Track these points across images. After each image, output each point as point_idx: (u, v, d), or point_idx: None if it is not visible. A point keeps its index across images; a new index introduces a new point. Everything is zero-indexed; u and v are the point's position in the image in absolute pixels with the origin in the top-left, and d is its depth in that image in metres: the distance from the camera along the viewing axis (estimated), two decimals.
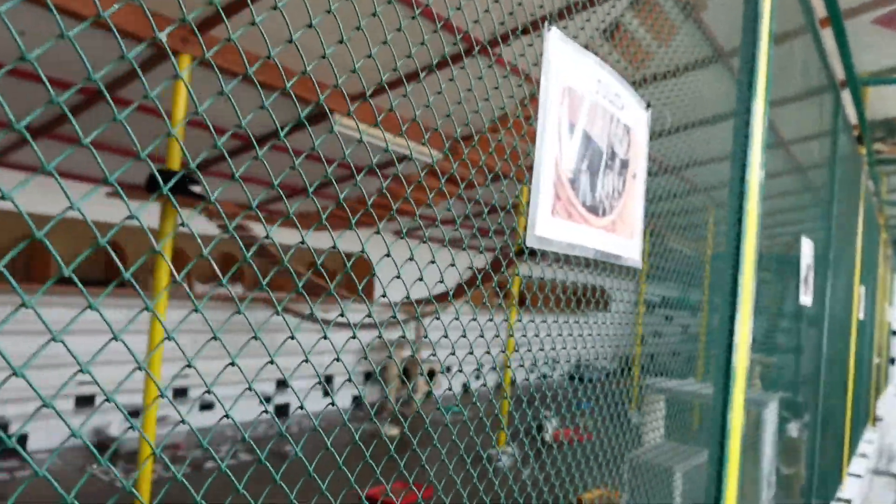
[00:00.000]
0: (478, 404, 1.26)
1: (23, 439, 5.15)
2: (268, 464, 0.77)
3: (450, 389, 1.45)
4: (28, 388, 4.93)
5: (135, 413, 5.44)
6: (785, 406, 3.50)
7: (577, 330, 1.58)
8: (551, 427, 6.33)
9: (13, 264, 4.97)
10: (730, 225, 1.79)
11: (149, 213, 5.04)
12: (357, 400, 7.78)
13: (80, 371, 0.67)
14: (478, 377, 9.25)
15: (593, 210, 1.27)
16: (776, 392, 3.32)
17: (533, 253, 1.34)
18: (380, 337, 0.90)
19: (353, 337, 0.83)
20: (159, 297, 3.20)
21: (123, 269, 0.61)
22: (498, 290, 1.25)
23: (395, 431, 6.26)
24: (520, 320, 1.38)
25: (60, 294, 4.89)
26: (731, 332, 1.76)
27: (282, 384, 7.05)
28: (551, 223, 1.14)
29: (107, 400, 0.66)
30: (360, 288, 0.85)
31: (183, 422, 0.55)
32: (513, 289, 3.83)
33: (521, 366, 1.35)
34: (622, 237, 1.41)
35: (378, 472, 0.96)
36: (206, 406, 6.17)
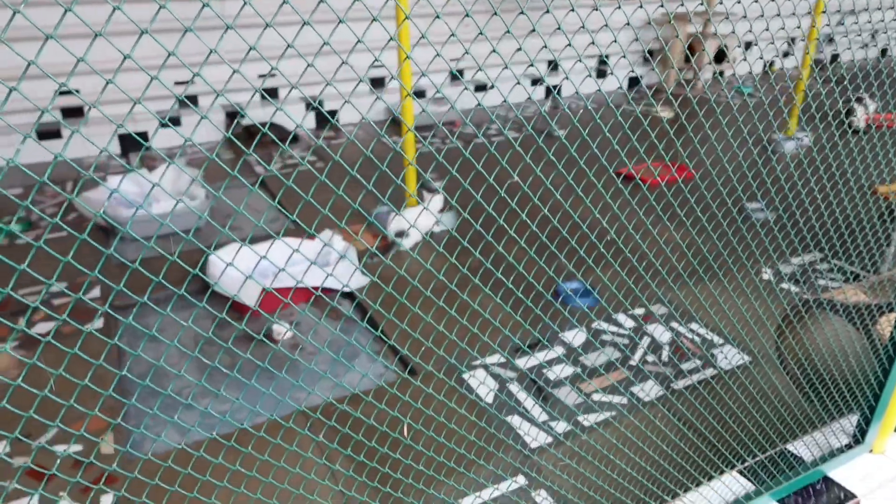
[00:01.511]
0: (773, 84, 0.99)
1: (333, 114, 6.02)
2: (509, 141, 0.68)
3: (747, 72, 1.17)
4: (330, 71, 5.54)
5: (419, 93, 5.90)
6: None
7: None
8: (864, 111, 5.34)
9: None
10: None
11: None
12: (634, 82, 7.36)
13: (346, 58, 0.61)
14: (785, 54, 7.93)
15: None
16: None
17: None
18: (646, 19, 0.68)
19: (627, 25, 0.64)
20: None
21: None
22: None
23: (668, 114, 5.90)
24: None
25: None
26: None
27: (554, 66, 6.89)
28: None
29: (380, 86, 0.61)
30: None
31: (423, 111, 0.47)
32: None
33: (845, 36, 1.00)
34: None
35: (642, 152, 0.83)
36: (480, 87, 6.41)
